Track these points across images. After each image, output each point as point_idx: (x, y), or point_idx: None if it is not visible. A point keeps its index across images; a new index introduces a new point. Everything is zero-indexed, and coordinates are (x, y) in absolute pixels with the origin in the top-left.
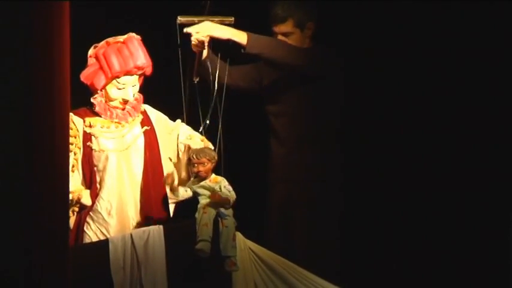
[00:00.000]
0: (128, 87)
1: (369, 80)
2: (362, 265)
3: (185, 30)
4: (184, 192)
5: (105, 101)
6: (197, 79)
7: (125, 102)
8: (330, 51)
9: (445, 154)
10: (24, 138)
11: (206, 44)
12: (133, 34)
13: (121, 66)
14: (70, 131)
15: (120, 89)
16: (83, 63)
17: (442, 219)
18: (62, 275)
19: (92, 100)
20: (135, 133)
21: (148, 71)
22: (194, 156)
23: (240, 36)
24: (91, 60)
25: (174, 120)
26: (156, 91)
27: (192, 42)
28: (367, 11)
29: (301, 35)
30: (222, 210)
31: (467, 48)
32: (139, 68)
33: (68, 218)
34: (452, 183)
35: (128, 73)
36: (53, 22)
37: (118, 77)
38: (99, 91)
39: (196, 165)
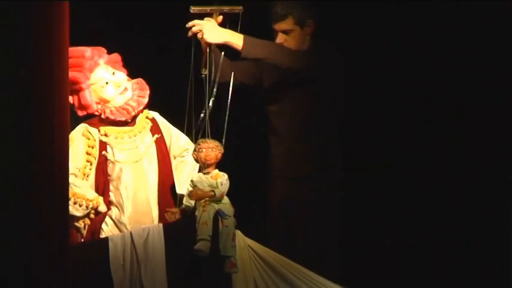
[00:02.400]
0: (109, 77)
1: (369, 78)
2: (362, 262)
3: (188, 24)
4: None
5: (113, 107)
6: (206, 72)
7: (123, 88)
8: (329, 50)
9: (445, 153)
10: (24, 138)
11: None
12: None
13: (79, 70)
14: (87, 140)
15: (104, 86)
16: None
17: (442, 218)
18: (62, 274)
19: (102, 117)
20: (147, 143)
21: (113, 58)
22: (203, 141)
23: (236, 41)
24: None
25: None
26: (164, 87)
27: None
28: (368, 9)
29: (301, 32)
30: (223, 209)
31: (467, 48)
32: (92, 58)
33: (68, 217)
34: (453, 182)
35: (91, 69)
36: (53, 22)
37: (90, 80)
38: (97, 106)
39: (204, 150)
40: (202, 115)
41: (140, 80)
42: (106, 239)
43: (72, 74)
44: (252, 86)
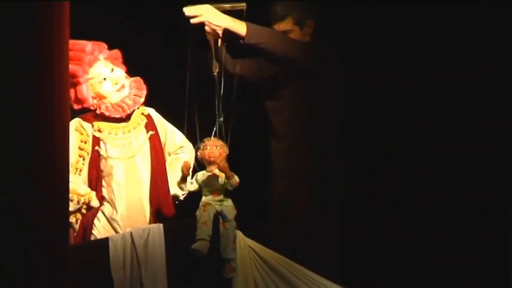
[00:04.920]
0: (107, 74)
1: (369, 77)
2: (362, 262)
3: (185, 11)
4: (190, 185)
5: (108, 103)
6: (217, 70)
7: (121, 85)
8: (330, 47)
9: (445, 153)
10: (24, 138)
11: (221, 32)
12: None
13: (79, 63)
14: (80, 135)
15: (102, 82)
16: None
17: (443, 218)
18: (62, 274)
19: (97, 112)
20: (141, 140)
21: (113, 54)
22: (208, 138)
23: (239, 27)
24: None
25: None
26: (166, 89)
27: (206, 30)
28: (368, 10)
29: (300, 33)
30: (225, 211)
31: (467, 48)
32: (92, 53)
33: (68, 218)
34: (453, 182)
35: (91, 64)
36: (53, 22)
37: (88, 74)
38: (93, 100)
39: (209, 147)
40: (221, 119)
41: (138, 78)
42: (106, 239)
43: (71, 67)
44: (253, 84)
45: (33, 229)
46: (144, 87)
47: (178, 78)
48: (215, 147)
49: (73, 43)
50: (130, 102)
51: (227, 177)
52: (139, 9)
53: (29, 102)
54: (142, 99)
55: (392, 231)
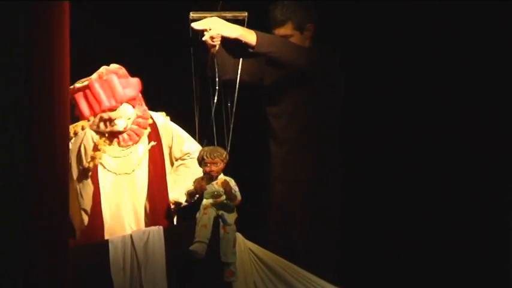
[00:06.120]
0: (109, 124)
1: (368, 80)
2: (361, 265)
3: (193, 26)
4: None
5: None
6: (217, 75)
7: (116, 132)
8: (332, 51)
9: (445, 154)
10: (24, 138)
11: (219, 42)
12: (94, 77)
13: (90, 110)
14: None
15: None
16: (82, 64)
17: (442, 219)
18: (62, 275)
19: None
20: (140, 153)
21: (131, 95)
22: (208, 156)
23: (248, 36)
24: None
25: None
26: (170, 90)
27: (206, 41)
28: (367, 12)
29: (301, 37)
30: (225, 216)
31: (467, 49)
32: (111, 109)
33: (68, 217)
34: (452, 182)
35: (97, 114)
36: (53, 22)
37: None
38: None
39: (209, 164)
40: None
41: (146, 112)
42: (106, 241)
43: (83, 105)
44: (253, 85)
45: (33, 229)
46: (148, 125)
47: (182, 82)
48: (215, 165)
49: (95, 88)
50: (126, 137)
51: (230, 200)
52: (141, 12)
53: (29, 102)
54: (140, 138)
55: (392, 234)
